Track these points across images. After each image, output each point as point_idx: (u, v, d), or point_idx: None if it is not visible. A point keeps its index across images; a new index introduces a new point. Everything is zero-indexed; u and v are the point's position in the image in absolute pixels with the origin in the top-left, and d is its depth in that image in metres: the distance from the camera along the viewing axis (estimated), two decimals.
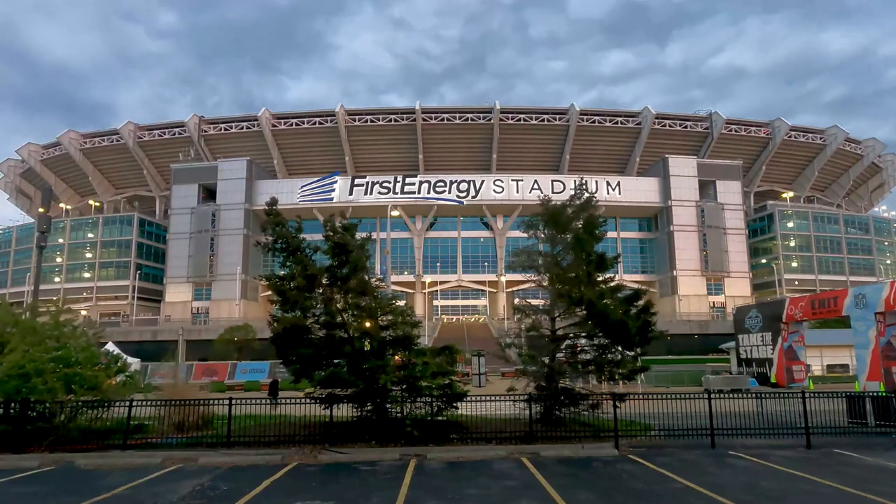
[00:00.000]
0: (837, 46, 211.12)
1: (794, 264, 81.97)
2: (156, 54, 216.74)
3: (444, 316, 77.70)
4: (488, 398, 16.85)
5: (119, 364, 17.30)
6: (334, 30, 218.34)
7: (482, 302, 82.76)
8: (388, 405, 15.89)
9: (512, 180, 79.06)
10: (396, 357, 16.47)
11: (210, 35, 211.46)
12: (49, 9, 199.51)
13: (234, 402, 15.39)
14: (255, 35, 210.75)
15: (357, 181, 79.51)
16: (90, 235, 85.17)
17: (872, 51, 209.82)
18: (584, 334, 17.96)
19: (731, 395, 19.70)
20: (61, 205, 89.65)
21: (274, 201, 17.16)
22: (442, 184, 79.05)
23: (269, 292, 19.73)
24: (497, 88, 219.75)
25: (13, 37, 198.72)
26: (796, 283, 79.33)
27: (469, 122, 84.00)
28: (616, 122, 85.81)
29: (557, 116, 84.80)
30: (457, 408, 16.07)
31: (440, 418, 15.73)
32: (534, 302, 20.05)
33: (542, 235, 18.79)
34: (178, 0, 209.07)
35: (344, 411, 16.17)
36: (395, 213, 71.10)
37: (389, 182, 79.14)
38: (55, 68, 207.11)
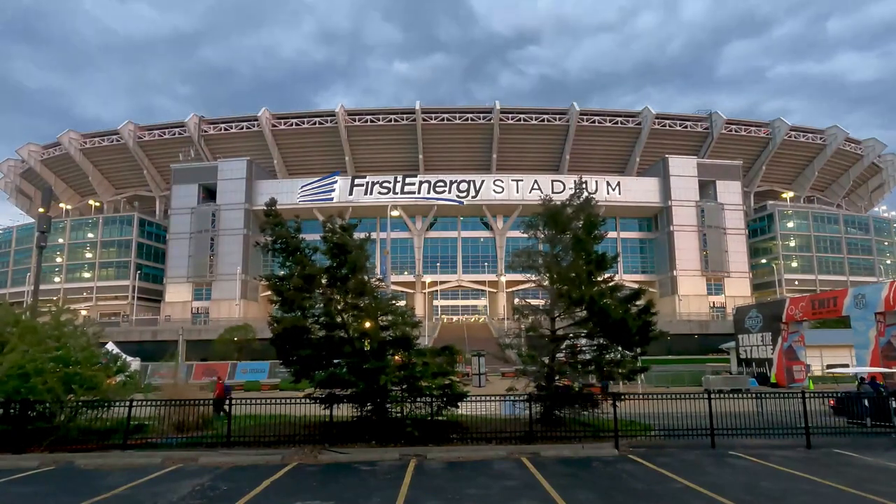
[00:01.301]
0: (724, 106, 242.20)
1: (794, 264, 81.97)
2: (174, 113, 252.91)
3: (444, 316, 77.69)
4: (488, 398, 16.83)
5: (119, 364, 17.27)
6: (314, 94, 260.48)
7: (482, 302, 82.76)
8: (388, 405, 15.88)
9: (512, 180, 79.05)
10: (396, 357, 16.47)
11: (218, 100, 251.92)
12: (93, 83, 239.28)
13: (233, 402, 15.38)
14: (255, 97, 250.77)
15: (357, 181, 79.50)
16: (90, 235, 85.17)
17: (758, 106, 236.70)
18: (583, 334, 17.96)
19: (731, 395, 19.70)
20: (61, 205, 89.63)
21: (273, 202, 17.17)
22: (442, 184, 79.04)
23: (270, 292, 19.73)
24: None
25: (61, 99, 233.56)
26: (796, 283, 79.33)
27: (469, 122, 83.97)
28: (616, 122, 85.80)
29: (557, 116, 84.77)
30: (457, 408, 16.07)
31: (440, 418, 15.73)
32: (534, 302, 20.05)
33: (542, 235, 18.79)
34: (194, 77, 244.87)
35: (344, 411, 16.17)
36: (395, 213, 71.08)
37: (389, 182, 79.13)
38: (88, 123, 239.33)
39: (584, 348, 18.36)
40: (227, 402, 15.64)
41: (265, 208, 17.18)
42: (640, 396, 17.36)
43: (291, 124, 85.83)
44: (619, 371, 17.41)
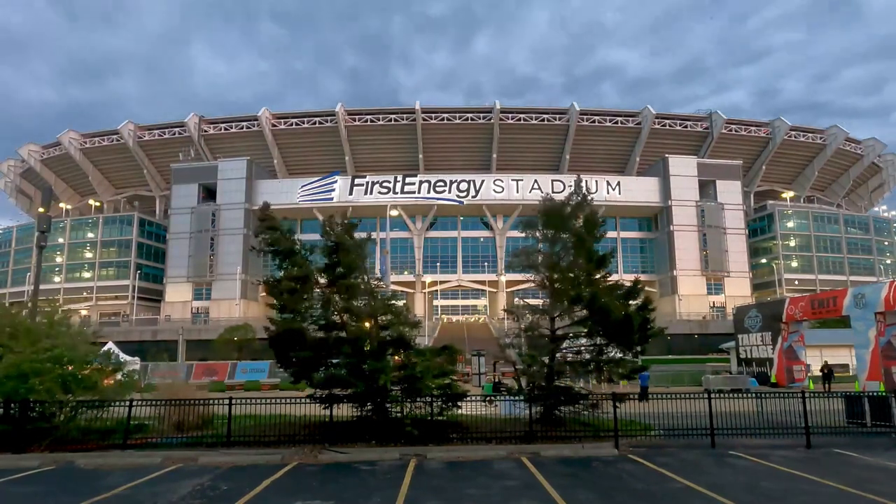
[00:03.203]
0: None
1: (794, 264, 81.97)
2: (174, 113, 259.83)
3: (444, 316, 77.67)
4: (488, 398, 16.81)
5: (112, 363, 17.17)
6: None
7: (482, 302, 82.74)
8: (388, 405, 15.86)
9: (512, 180, 79.03)
10: (396, 357, 16.43)
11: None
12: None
13: (233, 401, 15.38)
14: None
15: (357, 181, 79.49)
16: (90, 235, 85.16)
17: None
18: (583, 334, 17.93)
19: (731, 395, 19.70)
20: (61, 205, 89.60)
21: (266, 206, 17.17)
22: (442, 184, 79.02)
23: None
24: None
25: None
26: (796, 282, 79.32)
27: (469, 121, 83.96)
28: (616, 122, 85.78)
29: (557, 116, 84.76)
30: (457, 407, 16.04)
31: (440, 418, 15.69)
32: (533, 302, 20.01)
33: (541, 235, 18.76)
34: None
35: (344, 411, 16.14)
36: (395, 212, 71.08)
37: (389, 182, 79.11)
38: (88, 123, 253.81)
39: (583, 348, 18.35)
40: None
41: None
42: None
43: (291, 124, 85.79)
44: (619, 371, 17.39)
